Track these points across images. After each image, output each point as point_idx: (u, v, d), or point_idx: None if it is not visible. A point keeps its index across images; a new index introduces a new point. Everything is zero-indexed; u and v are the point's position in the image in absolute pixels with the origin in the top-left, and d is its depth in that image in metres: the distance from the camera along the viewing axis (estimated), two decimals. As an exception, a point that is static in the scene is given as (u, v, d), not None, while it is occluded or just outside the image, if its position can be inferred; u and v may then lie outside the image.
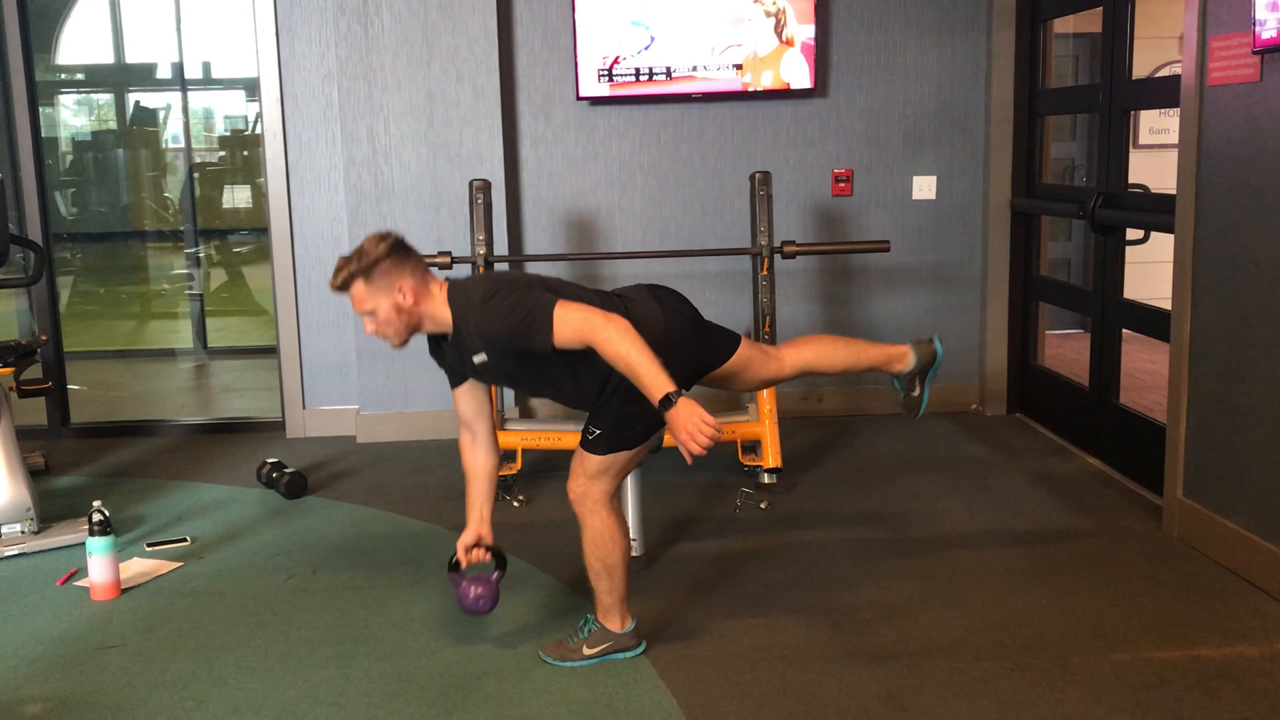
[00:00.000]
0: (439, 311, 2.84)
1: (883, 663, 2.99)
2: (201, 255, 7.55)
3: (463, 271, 4.88)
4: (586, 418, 2.95)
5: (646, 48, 5.07)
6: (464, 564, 3.13)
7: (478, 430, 3.10)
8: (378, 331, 2.83)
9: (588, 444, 2.92)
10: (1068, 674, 2.90)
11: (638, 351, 2.62)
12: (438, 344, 2.99)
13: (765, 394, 4.41)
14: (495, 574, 3.14)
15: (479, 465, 3.12)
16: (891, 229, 5.30)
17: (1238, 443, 3.47)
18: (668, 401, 2.59)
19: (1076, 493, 4.29)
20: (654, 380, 2.61)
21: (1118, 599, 3.34)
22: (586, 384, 2.87)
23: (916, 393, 3.32)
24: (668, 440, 4.06)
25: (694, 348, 2.97)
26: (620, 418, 2.86)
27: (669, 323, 2.89)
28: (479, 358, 2.84)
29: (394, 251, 2.79)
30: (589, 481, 2.94)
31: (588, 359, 2.75)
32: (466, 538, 3.13)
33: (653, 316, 2.87)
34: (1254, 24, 3.16)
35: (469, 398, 3.07)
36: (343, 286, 2.79)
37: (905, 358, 3.28)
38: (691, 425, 2.57)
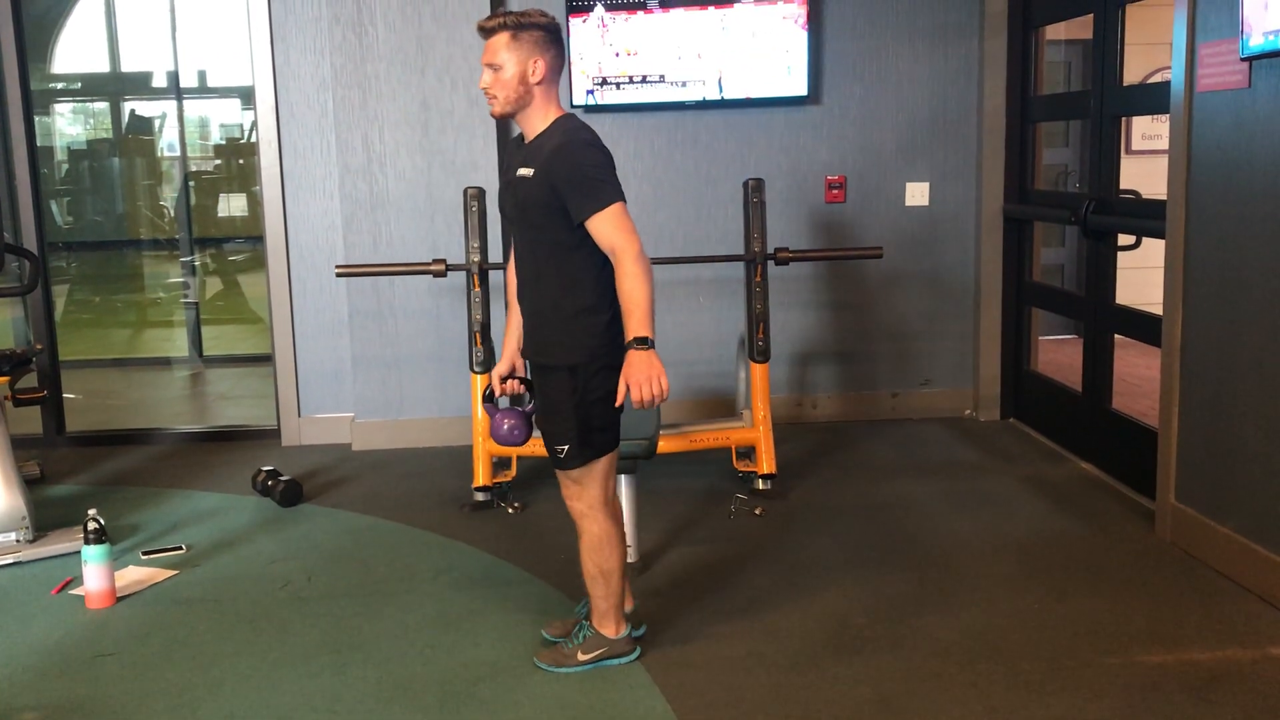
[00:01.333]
0: (542, 115, 2.84)
1: (876, 667, 3.00)
2: (197, 263, 7.56)
3: (457, 279, 4.90)
4: (544, 437, 2.94)
5: (641, 55, 5.09)
6: (498, 394, 3.14)
7: None
8: (489, 89, 2.82)
9: (560, 463, 2.92)
10: (1060, 677, 2.91)
11: (646, 292, 2.68)
12: (517, 145, 2.96)
13: (759, 400, 4.42)
14: (530, 405, 3.10)
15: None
16: (885, 235, 5.31)
17: (1230, 447, 3.48)
18: (642, 342, 2.65)
19: (1070, 497, 4.31)
20: (643, 320, 2.67)
21: (1110, 603, 3.36)
22: (544, 309, 2.87)
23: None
24: (662, 447, 4.10)
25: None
26: (580, 431, 2.86)
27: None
28: (524, 171, 2.83)
29: (551, 32, 2.82)
30: (580, 488, 2.94)
31: (573, 295, 2.80)
32: (501, 368, 3.13)
33: None
34: (1242, 31, 3.18)
35: None
36: (490, 30, 2.80)
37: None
38: (649, 374, 2.65)
